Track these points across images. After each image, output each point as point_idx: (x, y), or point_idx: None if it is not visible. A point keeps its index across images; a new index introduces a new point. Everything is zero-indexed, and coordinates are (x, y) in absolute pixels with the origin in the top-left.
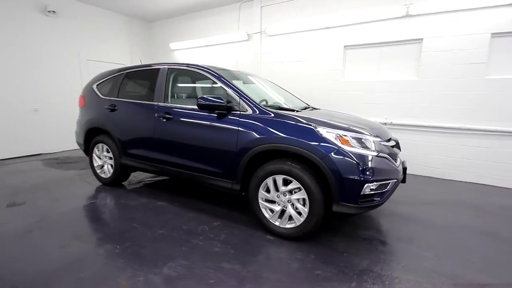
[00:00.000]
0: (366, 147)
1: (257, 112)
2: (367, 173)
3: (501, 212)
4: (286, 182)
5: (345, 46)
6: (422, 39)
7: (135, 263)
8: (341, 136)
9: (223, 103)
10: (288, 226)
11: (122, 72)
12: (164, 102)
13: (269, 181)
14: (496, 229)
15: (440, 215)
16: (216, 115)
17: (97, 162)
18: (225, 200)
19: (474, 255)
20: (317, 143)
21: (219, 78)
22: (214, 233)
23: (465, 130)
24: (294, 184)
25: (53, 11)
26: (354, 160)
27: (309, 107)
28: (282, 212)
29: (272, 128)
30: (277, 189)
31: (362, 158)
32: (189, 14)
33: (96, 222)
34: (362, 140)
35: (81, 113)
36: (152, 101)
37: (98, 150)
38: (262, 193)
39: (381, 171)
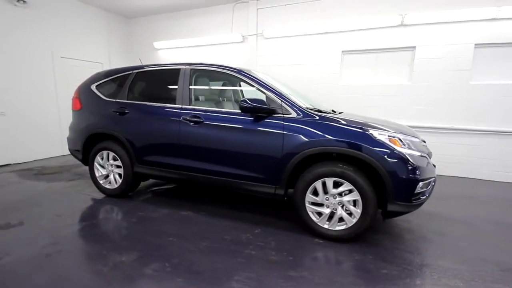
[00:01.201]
0: (411, 148)
1: (301, 115)
2: (418, 172)
3: (499, 202)
4: (336, 185)
5: (342, 51)
6: (415, 47)
7: (197, 280)
8: (392, 138)
9: (267, 106)
10: (338, 228)
11: (129, 72)
12: (190, 105)
13: (318, 184)
14: (501, 218)
15: (452, 209)
16: (253, 118)
17: (99, 171)
18: (250, 205)
19: (499, 241)
20: (372, 146)
21: (256, 80)
22: (262, 241)
23: (454, 130)
24: (346, 186)
25: (23, 1)
26: (407, 161)
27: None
28: (330, 214)
29: (322, 131)
30: (325, 192)
31: (413, 158)
32: (177, 12)
33: (124, 239)
34: (408, 141)
35: (77, 117)
36: (175, 104)
37: (102, 158)
38: (309, 196)
39: (426, 170)
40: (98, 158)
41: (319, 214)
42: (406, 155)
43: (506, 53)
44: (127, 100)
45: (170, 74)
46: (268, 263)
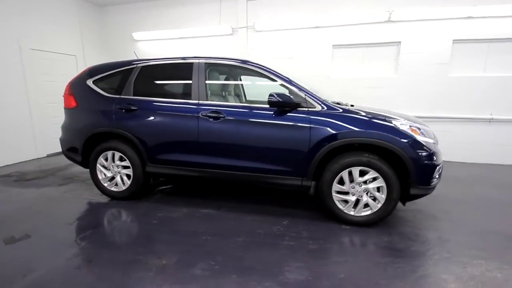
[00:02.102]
0: (426, 136)
1: (326, 108)
2: (434, 157)
3: (477, 181)
4: (361, 173)
5: (333, 45)
6: (400, 42)
7: (252, 275)
8: (412, 128)
9: (293, 100)
10: (363, 213)
11: (132, 66)
12: (207, 100)
13: (345, 173)
14: (486, 194)
15: (444, 190)
16: (277, 112)
17: (103, 174)
18: (267, 198)
19: (492, 215)
20: (397, 135)
21: (277, 75)
22: (294, 232)
23: (435, 118)
24: (371, 174)
25: None
26: (426, 148)
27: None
28: (355, 201)
29: (347, 124)
30: (350, 181)
31: (429, 145)
32: (157, 1)
33: (154, 241)
34: (422, 130)
35: (72, 116)
36: (190, 99)
37: (106, 159)
38: (336, 186)
39: (439, 156)
40: (101, 159)
41: (345, 202)
42: (425, 143)
43: (480, 48)
44: (133, 96)
45: (181, 69)
46: (309, 252)
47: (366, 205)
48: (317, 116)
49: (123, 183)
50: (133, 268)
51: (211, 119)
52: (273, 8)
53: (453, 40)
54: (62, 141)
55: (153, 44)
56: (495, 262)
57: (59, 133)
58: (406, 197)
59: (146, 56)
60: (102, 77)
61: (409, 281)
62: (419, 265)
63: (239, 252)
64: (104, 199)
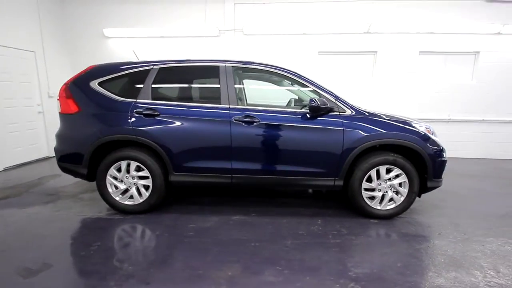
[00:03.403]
0: (435, 135)
1: (354, 113)
2: (444, 154)
3: (454, 172)
4: (386, 171)
5: (319, 52)
6: (376, 51)
7: (323, 275)
8: (427, 128)
9: (329, 105)
10: (388, 207)
11: (148, 67)
12: (238, 105)
13: (373, 172)
14: (472, 185)
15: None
16: (311, 117)
17: (113, 186)
18: (288, 200)
19: (480, 200)
20: (417, 136)
21: (310, 81)
22: (334, 230)
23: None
24: (395, 172)
25: None
26: (438, 145)
27: None
28: (381, 197)
29: (376, 126)
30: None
31: (440, 143)
32: None
33: (204, 254)
34: (432, 130)
35: (74, 123)
36: (220, 104)
37: (119, 170)
38: (365, 183)
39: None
40: (113, 170)
41: (371, 198)
42: (437, 141)
43: (443, 59)
44: (151, 99)
45: (205, 72)
46: (357, 246)
47: (390, 200)
48: (349, 120)
49: (141, 196)
50: (200, 284)
51: (244, 124)
52: (261, 13)
53: (420, 51)
54: (59, 151)
55: (128, 42)
56: (503, 238)
57: (19, 143)
58: (422, 190)
59: (118, 56)
60: (109, 78)
61: (453, 261)
62: (450, 246)
63: (296, 255)
64: (114, 214)
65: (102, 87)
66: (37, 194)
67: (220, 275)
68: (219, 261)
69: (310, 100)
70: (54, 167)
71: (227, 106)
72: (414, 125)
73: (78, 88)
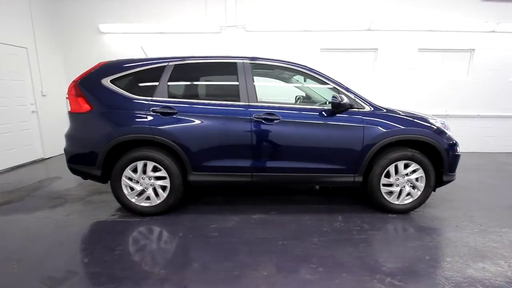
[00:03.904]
0: (449, 130)
1: (373, 109)
2: (458, 148)
3: (475, 168)
4: (405, 166)
5: (321, 49)
6: (377, 48)
7: (357, 270)
8: (442, 123)
9: (349, 102)
10: (406, 202)
11: (163, 64)
12: (258, 102)
13: (391, 167)
14: (479, 179)
15: None
16: (331, 114)
17: (128, 188)
18: (303, 197)
19: (489, 194)
20: (434, 131)
21: (330, 79)
22: (356, 226)
23: None
24: (413, 167)
25: None
26: (453, 140)
27: None
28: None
29: (394, 122)
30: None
31: (454, 138)
32: None
33: (235, 254)
34: (446, 125)
35: (86, 122)
36: (239, 101)
37: (135, 171)
38: (383, 179)
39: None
40: (128, 171)
41: (389, 193)
42: (451, 136)
43: (441, 56)
44: (168, 97)
45: (223, 69)
46: (383, 242)
47: (407, 194)
48: (368, 117)
49: (158, 197)
50: (239, 285)
51: (265, 121)
52: (263, 9)
53: (419, 49)
54: (69, 152)
55: (125, 38)
56: (497, 230)
57: (12, 144)
58: (438, 184)
59: (115, 53)
60: (122, 76)
61: (476, 252)
62: (470, 238)
63: (325, 252)
64: (129, 217)
65: (114, 85)
66: (40, 198)
67: (256, 275)
68: (251, 261)
69: (333, 96)
70: (51, 169)
71: (247, 103)
72: (430, 120)
73: (89, 86)
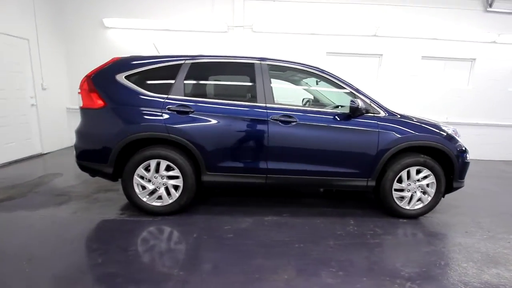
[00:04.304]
0: (459, 137)
1: (387, 114)
2: (468, 155)
3: (476, 175)
4: (416, 172)
5: (327, 53)
6: (382, 54)
7: (377, 274)
8: (453, 131)
9: (365, 107)
10: (416, 207)
11: (179, 62)
12: (275, 104)
13: (404, 173)
14: (488, 185)
15: None
16: (347, 118)
17: (140, 187)
18: (312, 201)
19: (491, 200)
20: (446, 138)
21: (347, 83)
22: (369, 230)
23: None
24: (425, 173)
25: None
26: (464, 148)
27: None
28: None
29: (408, 128)
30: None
31: (464, 146)
32: None
33: (253, 257)
34: (457, 133)
35: (100, 118)
36: (256, 102)
37: (147, 169)
38: (396, 184)
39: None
40: (141, 170)
41: (401, 198)
42: (462, 144)
43: (443, 64)
44: (184, 96)
45: (240, 69)
46: (397, 246)
47: (418, 200)
48: (383, 122)
49: (170, 196)
50: (260, 286)
51: (282, 123)
52: (270, 11)
53: (422, 56)
54: (79, 149)
55: (129, 34)
56: (505, 236)
57: (11, 138)
58: (447, 191)
59: (118, 48)
60: (137, 72)
61: (488, 258)
62: (480, 244)
63: (342, 255)
64: (140, 216)
65: (130, 81)
66: (43, 194)
67: (277, 278)
68: (270, 264)
69: (351, 101)
70: (51, 165)
71: (264, 104)
72: (442, 127)
73: (103, 81)
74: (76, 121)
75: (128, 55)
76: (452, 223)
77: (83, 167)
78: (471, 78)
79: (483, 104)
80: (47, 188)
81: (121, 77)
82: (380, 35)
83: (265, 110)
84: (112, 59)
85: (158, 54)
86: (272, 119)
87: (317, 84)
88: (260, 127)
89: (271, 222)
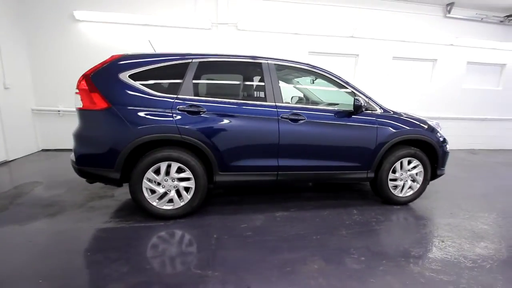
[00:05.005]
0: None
1: (383, 111)
2: (448, 146)
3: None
4: (408, 162)
5: (309, 52)
6: (358, 54)
7: (393, 257)
8: (437, 124)
9: (365, 104)
10: (407, 194)
11: (185, 61)
12: (283, 103)
13: (398, 164)
14: (455, 172)
15: None
16: (349, 115)
17: (149, 191)
18: (312, 194)
19: (465, 185)
20: (432, 131)
21: (347, 83)
22: (372, 218)
23: None
24: (415, 163)
25: None
26: (444, 139)
27: None
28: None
29: (402, 124)
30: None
31: (445, 137)
32: None
33: (278, 252)
34: (440, 126)
35: (103, 120)
36: (266, 101)
37: (157, 172)
38: (391, 174)
39: None
40: (150, 173)
41: (395, 187)
42: (443, 135)
43: (409, 64)
44: (194, 96)
45: (248, 68)
46: (401, 231)
47: (408, 188)
48: (380, 118)
49: (182, 199)
50: (298, 280)
51: (291, 122)
52: (255, 9)
53: (393, 57)
54: (80, 154)
55: (104, 28)
56: (493, 214)
57: None
58: (431, 178)
59: (91, 44)
60: (142, 71)
61: (475, 234)
62: (465, 223)
63: (358, 243)
64: (149, 221)
65: (135, 80)
66: (29, 206)
67: (309, 269)
68: (297, 256)
69: (355, 99)
70: (23, 173)
71: (274, 103)
72: (428, 122)
73: (105, 80)
74: (43, 123)
75: (129, 53)
76: (437, 207)
77: (83, 173)
78: (433, 76)
79: (442, 99)
80: (30, 198)
81: (124, 76)
82: (356, 36)
83: (275, 109)
84: (112, 56)
85: (155, 52)
86: (282, 117)
87: (312, 83)
88: (271, 125)
89: (283, 218)
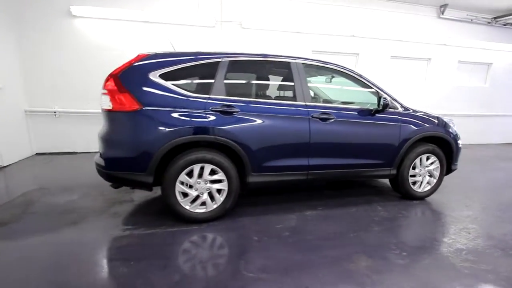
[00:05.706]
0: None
1: (403, 109)
2: (460, 142)
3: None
4: (426, 159)
5: (312, 51)
6: (358, 53)
7: (430, 249)
8: (451, 121)
9: (390, 103)
10: (425, 189)
11: (215, 60)
12: (312, 102)
13: (417, 160)
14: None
15: None
16: (371, 113)
17: (181, 194)
18: (316, 194)
19: (475, 177)
20: (448, 128)
21: (372, 83)
22: (396, 213)
23: None
24: (432, 159)
25: None
26: (458, 135)
27: None
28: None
29: (421, 121)
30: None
31: (458, 134)
32: None
33: (320, 250)
34: (454, 123)
35: (135, 122)
36: (296, 101)
37: (190, 175)
38: (411, 171)
39: None
40: (183, 176)
41: (414, 183)
42: (457, 132)
43: (405, 63)
44: (226, 95)
45: (277, 67)
46: (425, 225)
47: (427, 183)
48: (402, 116)
49: (214, 202)
50: (350, 277)
51: (321, 121)
52: (259, 7)
53: (391, 56)
54: (109, 158)
55: (102, 24)
56: (504, 204)
57: None
58: (446, 173)
59: (89, 41)
60: (172, 71)
61: (493, 221)
62: (481, 214)
63: (392, 238)
64: (182, 225)
65: (166, 80)
66: (44, 214)
67: (357, 266)
68: (341, 254)
69: (383, 98)
70: (24, 179)
71: (304, 103)
72: (443, 119)
73: (134, 81)
74: (37, 126)
75: (156, 51)
76: (452, 200)
77: (111, 178)
78: (427, 75)
79: (434, 97)
80: (43, 206)
81: (155, 76)
82: (357, 36)
83: (306, 109)
84: (138, 55)
85: (175, 51)
86: (312, 117)
87: (330, 81)
88: (303, 125)
89: (314, 217)
